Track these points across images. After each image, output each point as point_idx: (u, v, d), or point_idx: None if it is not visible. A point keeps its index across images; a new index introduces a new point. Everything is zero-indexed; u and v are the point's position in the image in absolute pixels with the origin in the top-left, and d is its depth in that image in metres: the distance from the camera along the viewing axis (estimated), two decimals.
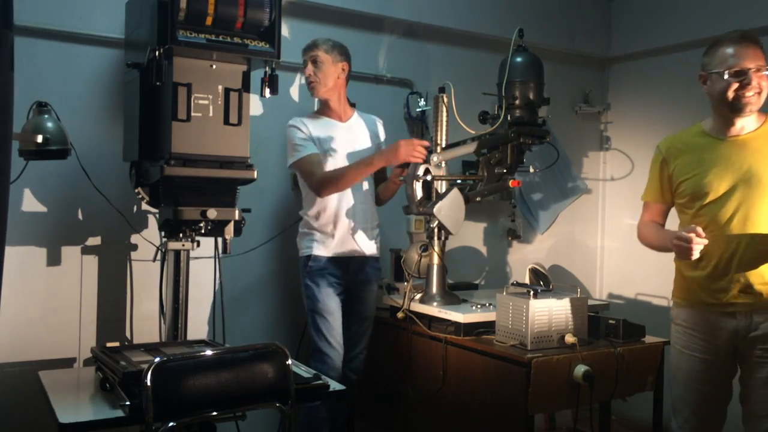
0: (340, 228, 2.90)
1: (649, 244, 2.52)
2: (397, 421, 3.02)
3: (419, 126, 3.62)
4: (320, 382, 2.21)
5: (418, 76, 3.62)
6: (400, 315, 2.89)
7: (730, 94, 2.28)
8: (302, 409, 2.77)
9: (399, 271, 3.17)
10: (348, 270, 2.94)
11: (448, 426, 2.71)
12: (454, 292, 2.98)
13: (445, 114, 2.97)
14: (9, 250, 1.73)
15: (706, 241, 2.20)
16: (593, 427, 3.01)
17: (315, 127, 2.89)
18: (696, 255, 2.21)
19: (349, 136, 2.94)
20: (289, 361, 2.03)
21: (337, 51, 2.91)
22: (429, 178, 2.88)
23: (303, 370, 2.32)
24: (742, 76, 2.25)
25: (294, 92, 3.34)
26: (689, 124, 2.53)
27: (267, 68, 2.50)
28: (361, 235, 2.94)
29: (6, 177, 1.65)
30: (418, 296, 2.93)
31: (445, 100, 2.96)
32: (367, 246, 2.97)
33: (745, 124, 2.34)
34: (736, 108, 2.30)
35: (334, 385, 2.26)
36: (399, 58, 3.59)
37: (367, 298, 3.01)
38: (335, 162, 2.89)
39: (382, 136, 3.11)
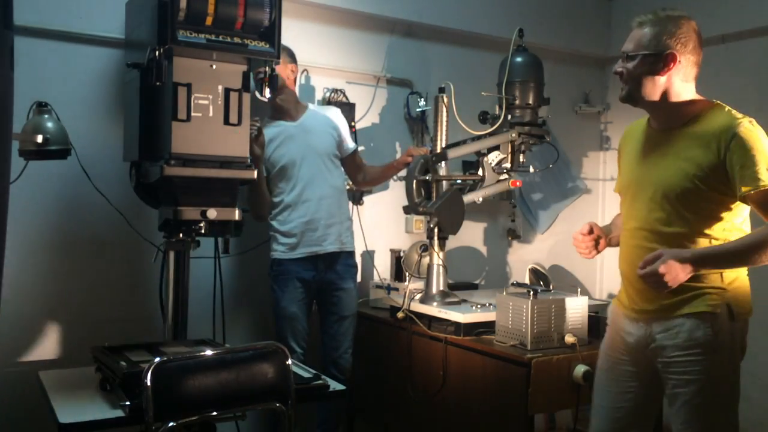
0: (303, 228, 2.90)
1: None
2: (397, 421, 3.02)
3: (419, 126, 3.62)
4: (320, 382, 2.21)
5: (418, 76, 3.62)
6: (400, 315, 2.89)
7: None
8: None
9: (399, 271, 3.17)
10: (317, 270, 2.94)
11: (448, 426, 2.71)
12: (454, 292, 2.98)
13: (445, 114, 2.97)
14: (9, 250, 1.73)
15: (587, 239, 2.18)
16: None
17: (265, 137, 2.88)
18: (589, 255, 2.21)
19: (303, 135, 2.94)
20: (289, 361, 2.03)
21: (287, 52, 2.94)
22: (429, 178, 2.89)
23: (303, 370, 2.32)
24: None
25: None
26: None
27: (267, 68, 2.50)
28: (327, 233, 2.93)
29: (6, 177, 1.65)
30: (418, 296, 2.93)
31: (445, 100, 2.96)
32: (335, 243, 2.96)
33: (669, 115, 2.03)
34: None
35: (335, 385, 2.26)
36: (399, 58, 3.59)
37: (343, 297, 3.00)
38: (291, 162, 2.91)
39: (340, 124, 3.07)
